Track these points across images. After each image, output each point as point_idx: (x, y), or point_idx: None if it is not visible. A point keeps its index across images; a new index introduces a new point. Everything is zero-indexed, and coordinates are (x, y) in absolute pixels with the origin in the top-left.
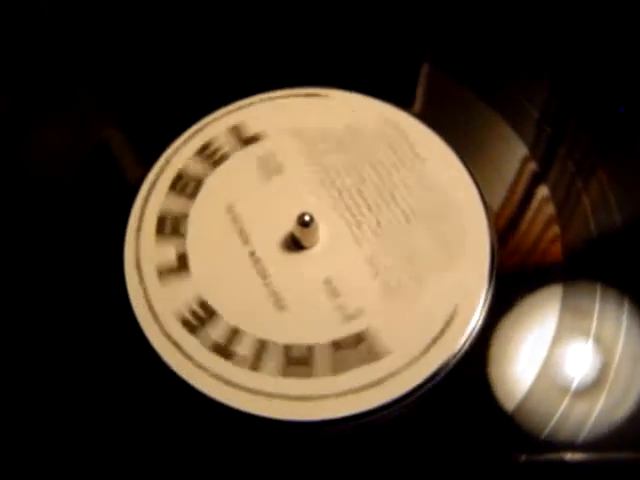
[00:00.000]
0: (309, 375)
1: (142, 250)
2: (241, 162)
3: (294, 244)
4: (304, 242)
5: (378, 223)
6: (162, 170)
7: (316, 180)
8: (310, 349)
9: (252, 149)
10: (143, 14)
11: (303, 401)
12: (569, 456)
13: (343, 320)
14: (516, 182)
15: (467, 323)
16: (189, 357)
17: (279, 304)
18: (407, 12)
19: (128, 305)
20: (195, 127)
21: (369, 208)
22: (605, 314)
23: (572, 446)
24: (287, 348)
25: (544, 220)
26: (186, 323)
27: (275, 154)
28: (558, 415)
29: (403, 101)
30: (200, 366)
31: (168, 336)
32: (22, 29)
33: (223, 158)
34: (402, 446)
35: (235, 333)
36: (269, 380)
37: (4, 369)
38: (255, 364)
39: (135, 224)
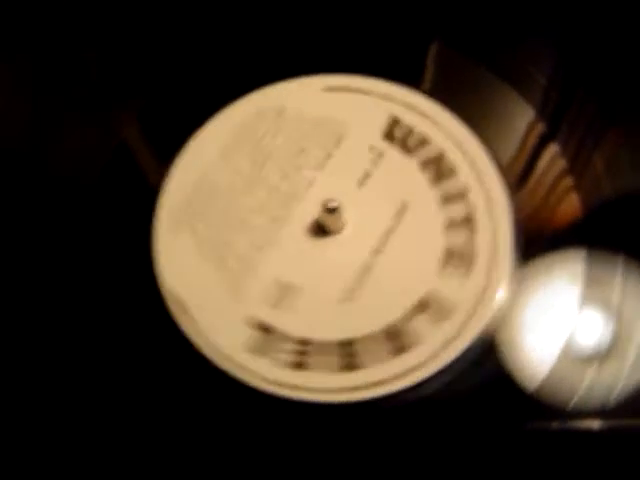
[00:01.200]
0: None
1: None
2: None
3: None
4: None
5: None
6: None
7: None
8: None
9: None
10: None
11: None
12: (596, 424)
13: None
14: (528, 147)
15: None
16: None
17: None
18: None
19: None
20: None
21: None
22: (625, 280)
23: (599, 414)
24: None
25: (560, 188)
26: None
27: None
28: (584, 384)
29: (411, 79)
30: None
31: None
32: (37, 32)
33: None
34: (429, 426)
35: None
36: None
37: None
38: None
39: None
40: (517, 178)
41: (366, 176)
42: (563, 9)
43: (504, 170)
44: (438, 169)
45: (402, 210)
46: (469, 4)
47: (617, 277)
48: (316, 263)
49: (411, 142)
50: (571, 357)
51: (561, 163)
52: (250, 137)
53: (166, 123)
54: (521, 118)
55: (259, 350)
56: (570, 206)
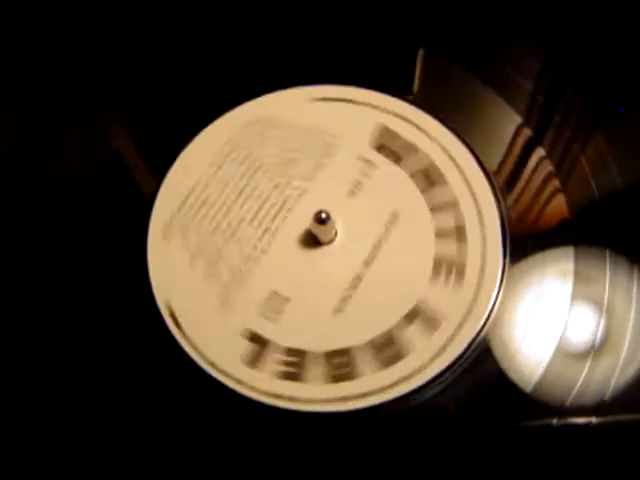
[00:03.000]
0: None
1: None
2: None
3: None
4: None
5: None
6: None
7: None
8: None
9: None
10: (148, 20)
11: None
12: (592, 420)
13: None
14: (515, 153)
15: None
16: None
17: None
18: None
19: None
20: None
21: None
22: (615, 278)
23: (594, 410)
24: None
25: (548, 190)
26: None
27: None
28: (580, 381)
29: (399, 88)
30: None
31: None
32: (30, 42)
33: None
34: (433, 425)
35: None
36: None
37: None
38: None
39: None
40: (505, 183)
41: (357, 186)
42: (548, 16)
43: (493, 176)
44: (428, 178)
45: (393, 219)
46: (454, 11)
47: (606, 274)
48: (308, 274)
49: (401, 151)
50: (565, 355)
51: (548, 166)
52: (242, 148)
53: (158, 134)
54: (508, 124)
55: (252, 361)
56: (558, 207)
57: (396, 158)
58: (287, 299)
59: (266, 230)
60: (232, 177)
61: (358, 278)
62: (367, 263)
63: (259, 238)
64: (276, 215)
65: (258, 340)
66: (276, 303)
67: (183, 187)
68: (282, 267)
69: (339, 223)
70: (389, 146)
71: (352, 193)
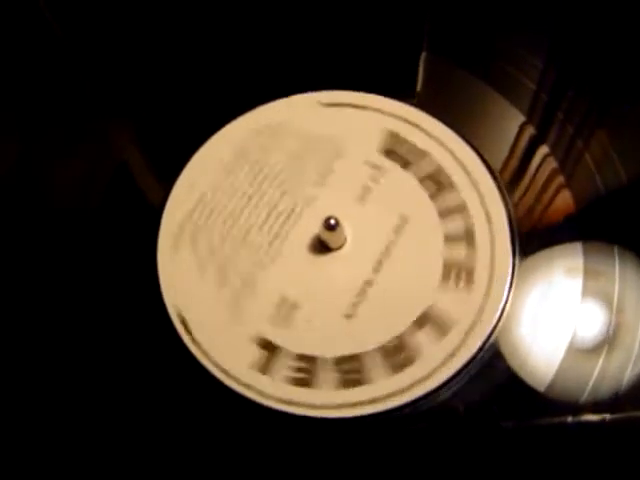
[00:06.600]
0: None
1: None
2: None
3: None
4: (331, 244)
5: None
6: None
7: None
8: None
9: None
10: (152, 29)
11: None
12: (605, 417)
13: None
14: (519, 151)
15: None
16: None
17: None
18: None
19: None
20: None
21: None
22: (625, 271)
23: (608, 407)
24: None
25: (554, 187)
26: None
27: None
28: (592, 378)
29: (403, 92)
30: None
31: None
32: (32, 53)
33: None
34: (445, 428)
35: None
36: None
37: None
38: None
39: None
40: (511, 182)
41: (365, 191)
42: (550, 14)
43: (499, 177)
44: (436, 182)
45: (402, 224)
46: (456, 11)
47: (615, 268)
48: (318, 280)
49: (408, 156)
50: (577, 352)
51: (552, 163)
52: (249, 155)
53: (166, 143)
54: (511, 122)
55: (263, 368)
56: (563, 203)
57: (404, 163)
58: (297, 305)
59: (276, 236)
60: (241, 184)
61: (368, 284)
62: (376, 268)
63: (269, 244)
64: (285, 221)
65: (268, 346)
66: (286, 309)
67: (191, 195)
68: (292, 273)
69: (348, 229)
70: (397, 151)
71: (361, 199)
